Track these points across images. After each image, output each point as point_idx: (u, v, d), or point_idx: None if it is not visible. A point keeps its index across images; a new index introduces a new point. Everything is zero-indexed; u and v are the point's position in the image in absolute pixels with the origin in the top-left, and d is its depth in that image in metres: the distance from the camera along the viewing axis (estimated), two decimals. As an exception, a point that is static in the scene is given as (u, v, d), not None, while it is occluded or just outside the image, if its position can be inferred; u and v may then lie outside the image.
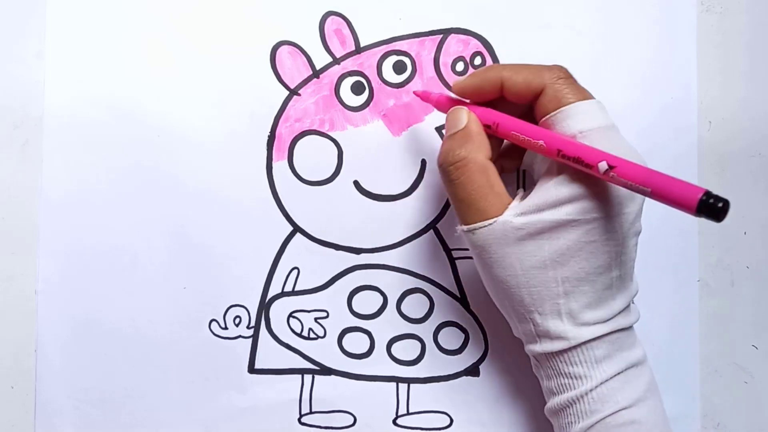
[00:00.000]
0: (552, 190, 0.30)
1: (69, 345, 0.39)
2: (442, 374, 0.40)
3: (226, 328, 0.39)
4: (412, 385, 0.39)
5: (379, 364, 0.39)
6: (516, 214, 0.31)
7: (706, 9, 0.40)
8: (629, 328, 0.32)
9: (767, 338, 0.40)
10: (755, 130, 0.40)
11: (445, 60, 0.39)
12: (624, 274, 0.32)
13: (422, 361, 0.39)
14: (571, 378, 0.32)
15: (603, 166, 0.27)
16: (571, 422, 0.32)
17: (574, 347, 0.31)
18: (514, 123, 0.32)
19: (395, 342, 0.39)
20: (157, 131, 0.38)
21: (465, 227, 0.32)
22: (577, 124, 0.31)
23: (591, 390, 0.31)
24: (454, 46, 0.39)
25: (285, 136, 0.39)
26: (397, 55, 0.39)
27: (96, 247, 0.39)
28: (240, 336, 0.39)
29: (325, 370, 0.39)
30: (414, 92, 0.38)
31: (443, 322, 0.39)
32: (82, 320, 0.39)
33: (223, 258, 0.39)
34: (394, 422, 0.39)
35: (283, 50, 0.39)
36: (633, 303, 0.34)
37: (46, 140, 0.38)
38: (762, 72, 0.40)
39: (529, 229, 0.31)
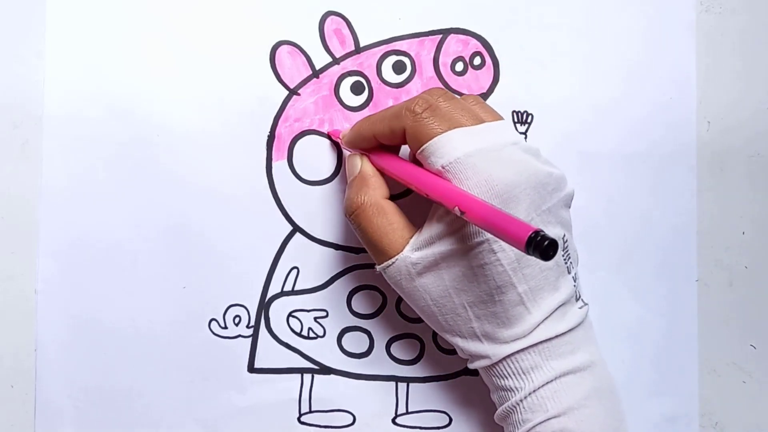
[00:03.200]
0: (436, 223, 0.32)
1: (69, 344, 0.39)
2: (441, 373, 0.40)
3: (225, 327, 0.39)
4: (411, 384, 0.40)
5: (378, 363, 0.39)
6: (413, 249, 0.32)
7: (705, 9, 0.40)
8: (565, 334, 0.32)
9: (765, 338, 0.40)
10: (753, 130, 0.40)
11: (445, 60, 0.39)
12: (534, 287, 0.32)
13: (421, 360, 0.39)
14: (505, 390, 0.33)
15: (457, 211, 0.29)
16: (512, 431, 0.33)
17: (499, 362, 0.32)
18: (394, 167, 0.34)
19: (394, 341, 0.39)
20: (157, 131, 0.39)
21: (377, 268, 0.34)
22: (438, 160, 0.31)
23: (521, 400, 0.32)
24: (453, 46, 0.39)
25: (285, 135, 0.39)
26: (397, 55, 0.39)
27: (96, 247, 0.39)
28: (240, 335, 0.39)
29: (325, 370, 0.39)
30: (328, 132, 0.39)
31: (442, 322, 0.39)
32: (81, 320, 0.39)
33: (222, 257, 0.39)
34: (394, 421, 0.40)
35: (283, 50, 0.39)
36: (581, 306, 0.33)
37: (46, 140, 0.38)
38: (760, 72, 0.40)
39: (425, 262, 0.32)
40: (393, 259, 0.33)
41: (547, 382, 0.32)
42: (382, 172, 0.35)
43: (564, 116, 0.39)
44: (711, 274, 0.40)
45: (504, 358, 0.32)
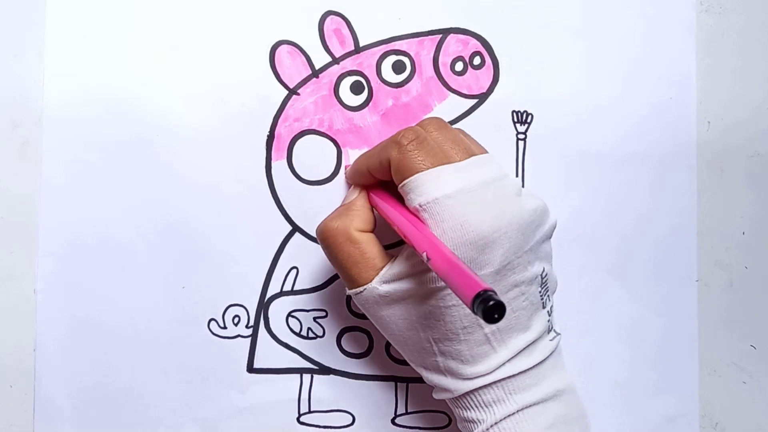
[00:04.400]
0: (408, 260, 0.32)
1: (68, 344, 0.39)
2: (440, 374, 0.40)
3: (225, 327, 0.39)
4: (410, 385, 0.39)
5: (377, 363, 0.39)
6: (381, 281, 0.32)
7: (705, 9, 0.40)
8: (530, 369, 0.32)
9: (765, 338, 0.40)
10: (753, 130, 0.40)
11: (445, 60, 0.39)
12: (503, 327, 0.31)
13: (421, 360, 0.39)
14: (468, 421, 0.33)
15: (425, 257, 0.29)
16: None
17: (462, 395, 0.32)
18: (382, 204, 0.34)
19: (394, 341, 0.39)
20: (157, 130, 0.39)
21: (347, 292, 0.34)
22: (417, 197, 0.31)
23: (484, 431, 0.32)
24: (453, 46, 0.39)
25: (284, 135, 0.39)
26: (397, 54, 0.39)
27: (95, 247, 0.39)
28: (239, 335, 0.39)
29: (324, 370, 0.39)
30: (346, 166, 0.39)
31: (442, 322, 0.39)
32: (81, 319, 0.39)
33: (222, 257, 0.39)
34: (393, 422, 0.39)
35: (283, 50, 0.39)
36: (552, 338, 0.33)
37: (45, 139, 0.38)
38: (760, 72, 0.40)
39: (393, 296, 0.32)
40: (361, 288, 0.33)
41: (509, 415, 0.31)
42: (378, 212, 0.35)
43: (564, 116, 0.39)
44: (711, 274, 0.40)
45: (465, 393, 0.32)
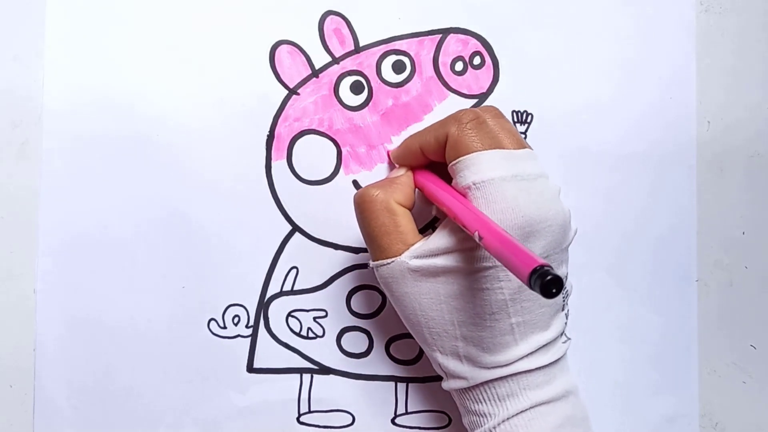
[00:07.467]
0: (446, 236, 0.32)
1: (68, 344, 0.39)
2: (440, 374, 0.40)
3: (224, 327, 0.39)
4: (410, 385, 0.39)
5: (377, 363, 0.39)
6: (412, 256, 0.32)
7: (705, 9, 0.40)
8: (545, 366, 0.32)
9: (766, 338, 0.40)
10: (753, 130, 0.40)
11: (445, 60, 0.39)
12: (528, 321, 0.32)
13: (421, 360, 0.39)
14: (477, 415, 0.33)
15: (476, 236, 0.29)
16: None
17: (476, 386, 0.32)
18: (429, 183, 0.34)
19: (394, 341, 0.39)
20: (157, 130, 0.39)
21: (371, 263, 0.34)
22: (471, 175, 0.31)
23: (494, 427, 0.32)
24: (453, 46, 0.39)
25: (284, 135, 0.39)
26: (397, 54, 0.39)
27: (95, 246, 0.39)
28: (239, 335, 0.39)
29: (324, 370, 0.39)
30: (388, 152, 0.39)
31: (442, 322, 0.39)
32: (80, 319, 0.39)
33: (222, 257, 0.39)
34: (393, 422, 0.39)
35: (283, 50, 0.39)
36: (564, 341, 0.34)
37: (45, 139, 0.38)
38: (760, 72, 0.40)
39: (423, 272, 0.32)
40: (390, 260, 0.33)
41: (522, 411, 0.31)
42: (424, 196, 0.35)
43: (563, 116, 0.39)
44: (711, 274, 0.40)
45: (481, 383, 0.32)
